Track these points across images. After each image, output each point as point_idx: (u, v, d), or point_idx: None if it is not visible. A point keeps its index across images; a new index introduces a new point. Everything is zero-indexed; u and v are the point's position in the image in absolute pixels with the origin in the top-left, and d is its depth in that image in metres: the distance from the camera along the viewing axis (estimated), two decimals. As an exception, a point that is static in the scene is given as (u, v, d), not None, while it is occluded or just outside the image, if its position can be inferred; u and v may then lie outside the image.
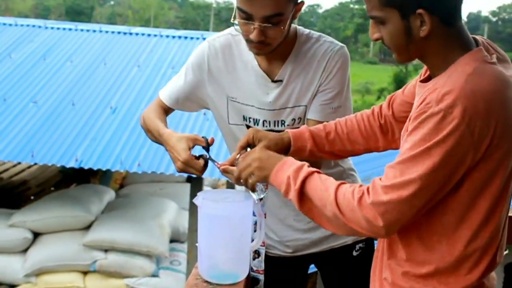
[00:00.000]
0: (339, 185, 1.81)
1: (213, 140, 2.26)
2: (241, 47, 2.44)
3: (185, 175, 6.75)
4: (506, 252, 3.25)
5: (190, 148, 2.23)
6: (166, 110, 2.60)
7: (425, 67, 1.92)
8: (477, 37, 1.87)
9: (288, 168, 1.92)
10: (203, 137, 2.26)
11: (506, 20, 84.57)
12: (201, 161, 2.22)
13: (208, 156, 2.24)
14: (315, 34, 2.46)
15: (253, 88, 2.43)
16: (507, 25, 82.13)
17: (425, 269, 1.84)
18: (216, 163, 2.20)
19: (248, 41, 2.29)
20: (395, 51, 1.84)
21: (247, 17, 2.22)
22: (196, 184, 6.96)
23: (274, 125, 2.44)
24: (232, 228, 2.09)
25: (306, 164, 1.93)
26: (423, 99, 1.71)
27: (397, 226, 1.74)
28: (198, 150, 2.29)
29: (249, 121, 2.47)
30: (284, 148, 2.15)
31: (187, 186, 8.24)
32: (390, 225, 1.71)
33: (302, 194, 1.87)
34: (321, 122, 2.29)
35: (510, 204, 1.89)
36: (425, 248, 1.83)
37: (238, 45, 2.45)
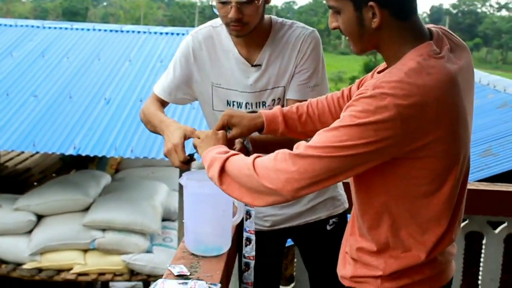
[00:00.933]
0: (258, 156, 1.79)
1: (192, 132, 2.22)
2: (221, 37, 2.45)
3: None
4: (466, 222, 3.28)
5: (184, 137, 2.20)
6: (162, 104, 2.57)
7: None
8: (434, 28, 1.83)
9: (214, 151, 1.92)
10: None
11: (465, 12, 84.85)
12: (185, 155, 2.19)
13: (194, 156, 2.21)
14: (288, 21, 2.47)
15: (235, 74, 2.44)
16: (466, 17, 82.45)
17: (377, 246, 1.83)
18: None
19: (227, 24, 2.30)
20: (350, 41, 1.82)
21: None
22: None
23: (256, 106, 2.44)
24: (215, 205, 2.10)
25: (231, 151, 1.92)
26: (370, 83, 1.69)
27: (307, 186, 1.68)
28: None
29: (233, 104, 2.47)
30: (257, 130, 2.16)
31: (177, 169, 8.19)
32: (301, 180, 1.67)
33: (222, 170, 1.83)
34: (301, 101, 2.29)
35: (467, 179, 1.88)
36: (378, 226, 1.81)
37: (218, 35, 2.45)
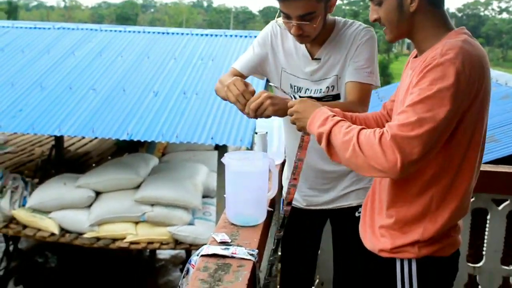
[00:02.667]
0: (361, 129, 1.73)
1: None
2: None
3: (213, 144, 6.75)
4: (473, 199, 3.24)
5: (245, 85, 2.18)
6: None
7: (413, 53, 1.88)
8: None
9: (317, 122, 1.86)
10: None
11: (469, 15, 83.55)
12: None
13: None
14: (349, 21, 2.45)
15: (299, 63, 2.45)
16: (470, 19, 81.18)
17: (417, 213, 1.80)
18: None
19: (293, 35, 2.31)
20: (387, 29, 1.81)
21: (286, 16, 2.25)
22: (222, 151, 6.95)
23: (314, 92, 2.44)
24: (253, 182, 2.09)
25: (331, 114, 1.86)
26: (425, 59, 1.67)
27: (413, 162, 1.62)
28: None
29: (294, 88, 2.48)
30: None
31: (215, 153, 8.26)
32: (406, 160, 1.60)
33: (328, 142, 1.80)
34: (359, 83, 2.30)
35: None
36: (423, 193, 1.78)
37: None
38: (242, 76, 2.52)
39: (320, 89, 2.43)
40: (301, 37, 2.29)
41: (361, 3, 70.68)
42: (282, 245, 2.67)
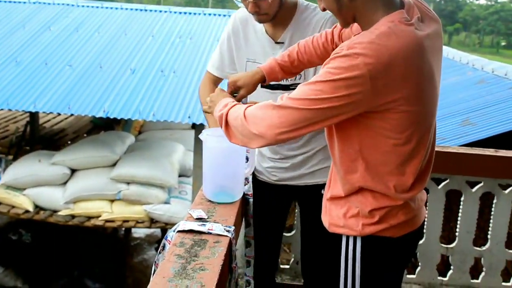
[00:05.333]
0: (249, 105, 1.83)
1: None
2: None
3: (190, 123, 6.74)
4: (447, 181, 3.28)
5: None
6: (215, 81, 2.63)
7: None
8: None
9: (218, 107, 1.95)
10: None
11: (447, 0, 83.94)
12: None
13: None
14: (313, 5, 2.46)
15: (263, 50, 2.45)
16: (448, 4, 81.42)
17: (352, 189, 1.84)
18: None
19: (250, 13, 2.33)
20: (335, 16, 1.81)
21: None
22: (199, 130, 6.93)
23: (281, 80, 2.42)
24: (230, 158, 2.10)
25: (231, 101, 1.96)
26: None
27: (287, 132, 1.70)
28: None
29: None
30: (261, 82, 2.23)
31: (192, 132, 8.23)
32: (282, 127, 1.69)
33: (226, 124, 1.86)
34: None
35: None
36: (353, 171, 1.81)
37: (252, 17, 2.43)
38: (218, 80, 2.61)
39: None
40: (258, 15, 2.31)
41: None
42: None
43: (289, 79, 2.42)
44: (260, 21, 2.37)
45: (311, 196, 2.56)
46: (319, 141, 2.49)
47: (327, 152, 2.49)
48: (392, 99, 1.63)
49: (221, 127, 1.90)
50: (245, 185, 2.25)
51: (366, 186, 1.80)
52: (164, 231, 7.64)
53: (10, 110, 7.01)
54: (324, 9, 1.81)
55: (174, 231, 1.85)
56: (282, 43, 2.41)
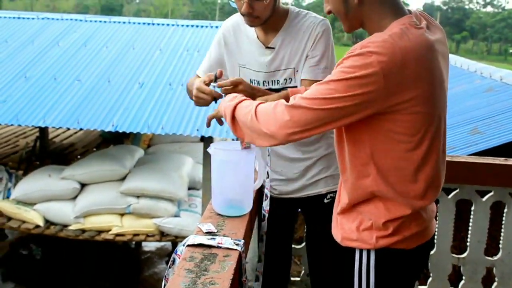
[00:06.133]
0: (260, 102, 1.82)
1: (221, 73, 2.26)
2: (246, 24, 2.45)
3: (199, 135, 6.74)
4: (457, 191, 3.26)
5: (205, 82, 2.25)
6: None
7: None
8: (412, 9, 1.82)
9: (225, 102, 1.96)
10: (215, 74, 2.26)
11: (454, 8, 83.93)
12: (208, 88, 2.23)
13: (214, 83, 2.24)
14: (304, 11, 2.47)
15: (253, 55, 2.46)
16: (455, 12, 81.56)
17: (364, 195, 1.82)
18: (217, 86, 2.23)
19: (243, 15, 2.33)
20: (341, 21, 1.82)
21: None
22: (207, 143, 6.95)
23: (272, 84, 2.46)
24: (238, 171, 2.10)
25: (239, 96, 1.96)
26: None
27: (298, 132, 1.70)
28: None
29: (254, 82, 2.47)
30: None
31: (201, 144, 8.24)
32: (294, 126, 1.69)
33: (233, 118, 1.87)
34: (313, 81, 2.31)
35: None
36: (365, 176, 1.80)
37: (244, 23, 2.43)
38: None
39: (278, 81, 2.45)
40: (251, 16, 2.31)
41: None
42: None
43: (279, 83, 2.44)
44: (250, 24, 2.37)
45: (315, 207, 2.56)
46: (319, 150, 2.50)
47: (327, 161, 2.50)
48: (404, 99, 1.64)
49: (225, 118, 1.92)
50: (264, 200, 2.25)
51: (379, 191, 1.78)
52: (174, 244, 7.62)
53: (20, 125, 7.04)
54: (329, 12, 1.82)
55: (183, 245, 1.85)
56: (273, 48, 2.42)
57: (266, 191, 2.24)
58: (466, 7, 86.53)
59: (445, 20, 71.79)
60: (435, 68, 1.70)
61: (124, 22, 9.67)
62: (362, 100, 1.62)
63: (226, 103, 1.94)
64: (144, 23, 9.72)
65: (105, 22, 9.63)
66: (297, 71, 2.42)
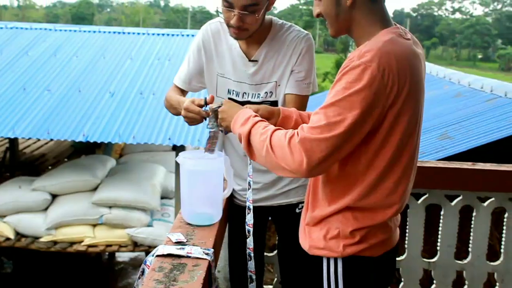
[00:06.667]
0: (275, 130, 1.76)
1: (212, 98, 2.19)
2: (227, 32, 2.39)
3: (171, 144, 6.73)
4: (426, 195, 3.29)
5: (193, 102, 2.18)
6: (182, 92, 2.56)
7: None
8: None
9: (239, 123, 1.90)
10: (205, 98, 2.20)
11: (424, 15, 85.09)
12: (197, 108, 2.16)
13: (205, 107, 2.16)
14: (287, 24, 2.44)
15: (235, 66, 2.41)
16: (424, 19, 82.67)
17: (332, 208, 1.82)
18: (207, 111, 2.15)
19: (229, 26, 2.27)
20: (329, 23, 1.81)
21: (229, 5, 2.20)
22: (179, 152, 6.88)
23: (252, 97, 2.42)
24: (207, 181, 2.10)
25: (252, 114, 1.90)
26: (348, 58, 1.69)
27: (319, 164, 1.65)
28: None
29: (232, 93, 2.44)
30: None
31: (173, 153, 8.23)
32: (312, 161, 1.64)
33: (249, 144, 1.83)
34: (298, 96, 2.34)
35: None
36: (346, 192, 1.79)
37: (225, 31, 2.40)
38: (184, 92, 2.55)
39: (259, 94, 2.41)
40: (240, 29, 2.25)
41: (318, 3, 71.30)
42: (229, 243, 2.68)
43: (260, 97, 2.41)
44: (236, 37, 2.32)
45: (286, 216, 2.55)
46: None
47: None
48: (397, 107, 1.65)
49: (240, 140, 1.87)
50: (247, 214, 2.16)
51: (358, 205, 1.78)
52: (148, 254, 7.52)
53: (-12, 136, 6.96)
54: (318, 15, 1.82)
55: (153, 255, 1.84)
56: (256, 61, 2.38)
57: (248, 203, 2.16)
58: (435, 13, 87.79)
59: (414, 27, 72.75)
60: (422, 77, 1.75)
61: (94, 31, 9.63)
62: (370, 109, 1.61)
63: (238, 129, 1.88)
64: (115, 32, 9.69)
65: (75, 31, 9.58)
66: (278, 85, 2.39)
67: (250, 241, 2.15)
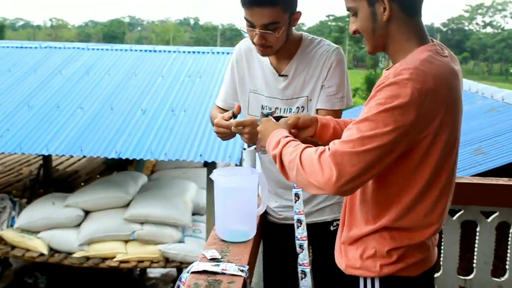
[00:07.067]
0: (306, 147, 1.73)
1: (239, 108, 2.22)
2: None
3: (202, 161, 6.76)
4: (462, 212, 3.25)
5: (224, 118, 2.20)
6: (222, 111, 2.55)
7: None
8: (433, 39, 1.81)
9: (272, 144, 1.87)
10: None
11: (454, 30, 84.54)
12: (225, 122, 2.18)
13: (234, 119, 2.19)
14: (318, 38, 2.44)
15: (266, 82, 2.42)
16: (455, 34, 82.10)
17: (369, 228, 1.79)
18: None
19: (254, 44, 2.30)
20: (366, 39, 1.79)
21: (250, 25, 2.23)
22: (211, 168, 6.95)
23: (284, 112, 2.41)
24: (241, 197, 2.09)
25: (283, 135, 1.87)
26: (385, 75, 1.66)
27: (349, 181, 1.59)
28: None
29: (265, 108, 2.44)
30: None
31: (204, 170, 8.24)
32: (342, 176, 1.58)
33: (281, 163, 1.80)
34: (330, 111, 2.31)
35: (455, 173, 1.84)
36: (385, 212, 1.76)
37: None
38: (224, 111, 2.52)
39: (290, 109, 2.41)
40: (263, 47, 2.27)
41: (347, 19, 71.37)
42: (263, 260, 2.66)
43: (291, 112, 2.40)
44: (262, 54, 2.33)
45: (321, 234, 2.52)
46: None
47: None
48: (435, 127, 1.62)
49: (275, 162, 1.84)
50: (296, 228, 2.15)
51: (395, 225, 1.76)
52: (179, 270, 7.59)
53: (23, 153, 7.08)
54: (354, 32, 1.79)
55: (188, 272, 1.84)
56: (286, 76, 2.38)
57: (298, 216, 2.11)
58: (466, 28, 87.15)
59: (445, 42, 71.97)
60: (459, 96, 1.71)
61: (126, 50, 9.76)
62: (405, 129, 1.57)
63: (271, 151, 1.86)
64: (146, 50, 9.80)
65: (107, 50, 9.73)
66: (310, 99, 2.38)
67: (304, 256, 2.12)
